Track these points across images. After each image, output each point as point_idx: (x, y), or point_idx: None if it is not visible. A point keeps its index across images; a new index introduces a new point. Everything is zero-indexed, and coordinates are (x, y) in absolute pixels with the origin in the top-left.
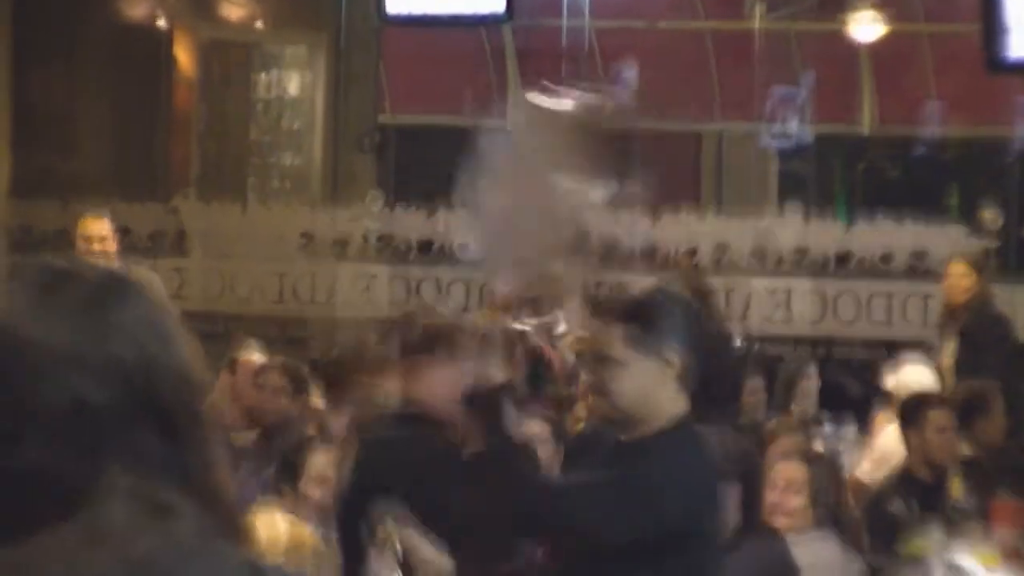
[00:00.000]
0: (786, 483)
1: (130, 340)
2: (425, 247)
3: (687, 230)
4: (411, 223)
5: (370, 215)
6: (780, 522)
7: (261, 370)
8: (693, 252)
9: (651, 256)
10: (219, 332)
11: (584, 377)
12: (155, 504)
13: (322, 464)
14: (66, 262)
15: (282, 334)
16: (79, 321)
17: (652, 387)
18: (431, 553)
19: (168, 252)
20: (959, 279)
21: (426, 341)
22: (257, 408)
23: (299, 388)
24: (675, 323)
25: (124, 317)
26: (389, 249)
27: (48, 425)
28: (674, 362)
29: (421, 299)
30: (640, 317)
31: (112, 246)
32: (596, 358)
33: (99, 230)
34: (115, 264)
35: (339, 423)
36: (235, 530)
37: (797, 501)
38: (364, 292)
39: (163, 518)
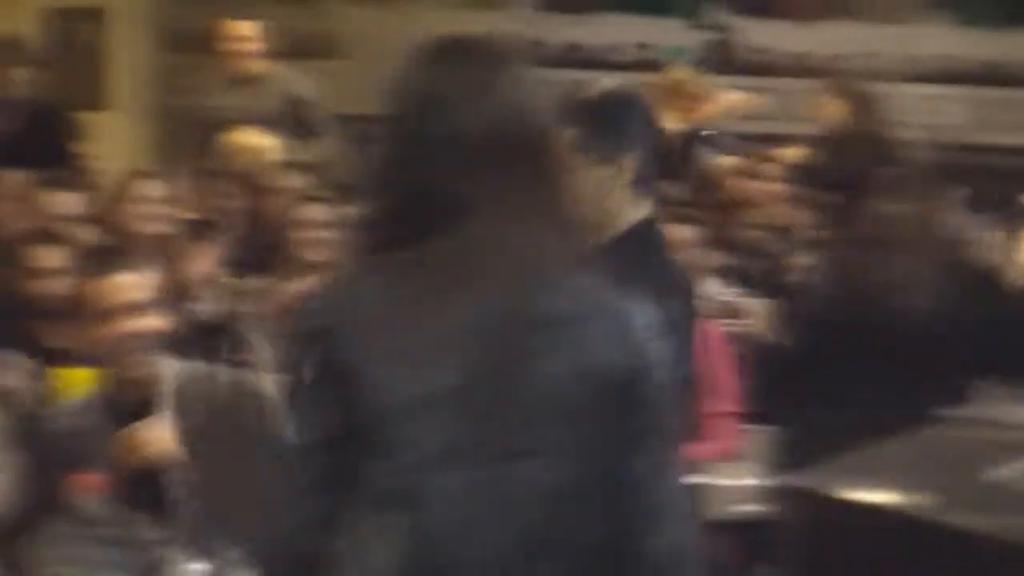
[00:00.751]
0: None
1: (511, 93)
2: (574, 52)
3: (838, 38)
4: (560, 28)
5: (519, 18)
6: None
7: None
8: (843, 59)
9: (802, 63)
10: (372, 135)
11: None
12: (519, 223)
13: None
14: (463, 35)
15: None
16: (475, 77)
17: (602, 195)
18: None
19: (319, 54)
20: None
21: None
22: None
23: None
24: (628, 125)
25: (508, 76)
26: (538, 53)
27: (433, 149)
28: (627, 167)
29: None
30: (590, 120)
31: (256, 46)
32: None
33: (243, 30)
34: (259, 65)
35: None
36: (582, 253)
37: None
38: None
39: (524, 235)
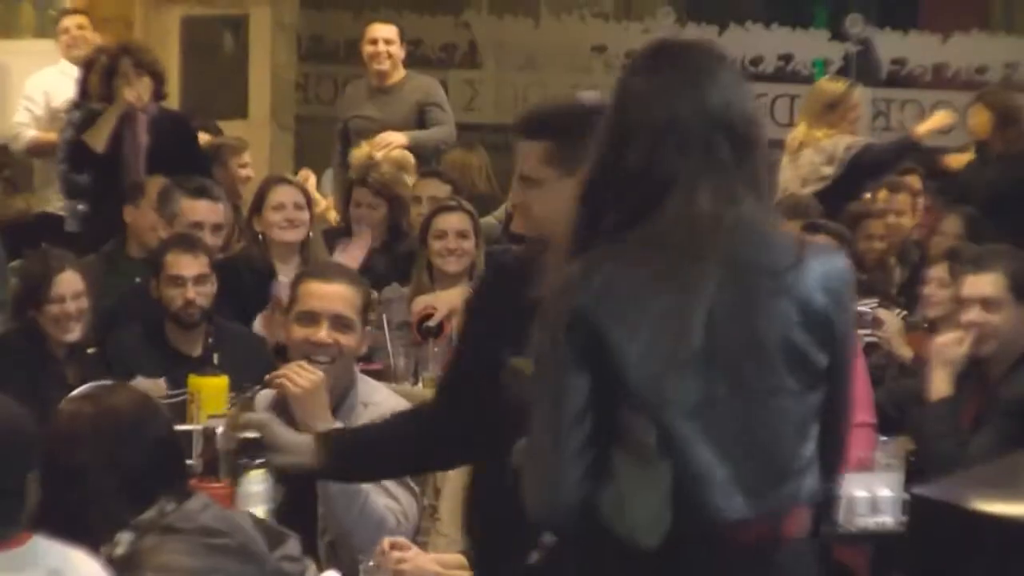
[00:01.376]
0: None
1: (718, 87)
2: None
3: (976, 50)
4: (703, 38)
5: (662, 29)
6: None
7: None
8: (982, 71)
9: (940, 75)
10: (511, 144)
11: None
12: (728, 194)
13: None
14: (677, 38)
15: None
16: (681, 75)
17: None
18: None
19: (460, 64)
20: None
21: None
22: None
23: None
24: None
25: (716, 72)
26: None
27: (651, 134)
28: None
29: None
30: (560, 131)
31: (398, 50)
32: (518, 178)
33: (386, 33)
34: (398, 72)
35: None
36: (777, 219)
37: None
38: None
39: (734, 204)
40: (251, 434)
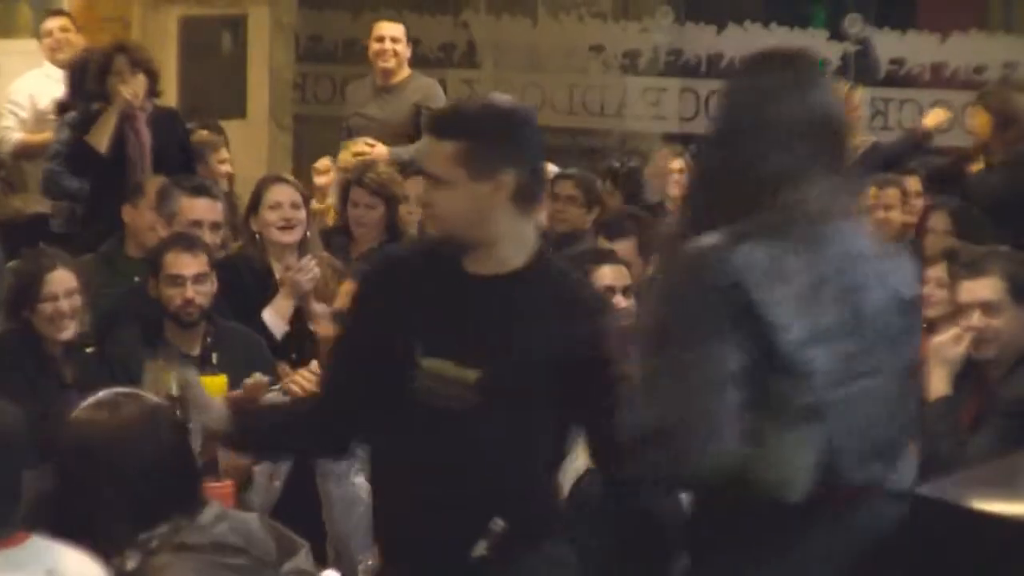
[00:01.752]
0: None
1: (820, 91)
2: (715, 62)
3: (975, 49)
4: (701, 38)
5: (660, 28)
6: None
7: (555, 180)
8: (981, 71)
9: (939, 74)
10: None
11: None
12: (831, 188)
13: (609, 276)
14: (781, 47)
15: (573, 145)
16: (786, 79)
17: (481, 209)
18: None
19: (458, 64)
20: None
21: None
22: (550, 217)
23: (591, 200)
24: (510, 140)
25: (816, 77)
26: (679, 63)
27: (763, 132)
28: (506, 183)
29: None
30: (471, 134)
31: (404, 49)
32: (425, 177)
33: (392, 31)
34: (402, 71)
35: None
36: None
37: None
38: (653, 105)
39: (836, 197)
40: (174, 391)
